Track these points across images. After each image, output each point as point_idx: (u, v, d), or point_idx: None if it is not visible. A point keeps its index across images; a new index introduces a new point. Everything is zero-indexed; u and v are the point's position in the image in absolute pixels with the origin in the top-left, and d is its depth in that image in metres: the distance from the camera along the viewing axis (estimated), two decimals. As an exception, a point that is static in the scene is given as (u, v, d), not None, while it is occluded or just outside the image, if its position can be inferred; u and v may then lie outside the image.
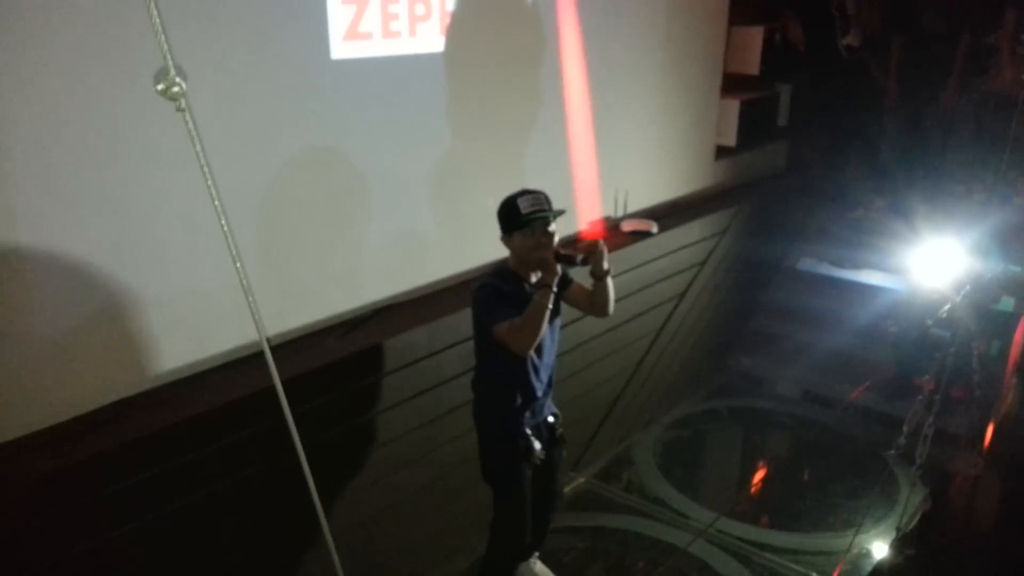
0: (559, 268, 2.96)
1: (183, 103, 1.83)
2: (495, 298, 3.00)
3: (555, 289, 2.93)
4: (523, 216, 2.96)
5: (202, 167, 1.86)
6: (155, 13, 1.65)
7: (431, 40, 3.94)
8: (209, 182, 1.86)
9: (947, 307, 4.83)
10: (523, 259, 3.03)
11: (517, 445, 3.21)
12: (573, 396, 4.59)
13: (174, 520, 3.00)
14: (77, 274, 2.88)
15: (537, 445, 3.25)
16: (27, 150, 2.67)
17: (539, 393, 3.22)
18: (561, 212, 3.04)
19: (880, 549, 4.25)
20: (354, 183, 3.75)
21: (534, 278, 3.08)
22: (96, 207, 2.88)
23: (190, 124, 1.85)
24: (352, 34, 3.59)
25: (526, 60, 4.51)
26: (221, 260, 3.06)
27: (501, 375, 3.15)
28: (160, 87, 1.79)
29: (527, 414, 3.21)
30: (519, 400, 3.17)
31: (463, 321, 4.01)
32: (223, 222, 1.95)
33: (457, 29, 4.01)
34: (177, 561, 3.07)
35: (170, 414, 3.06)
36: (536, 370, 3.18)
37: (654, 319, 5.59)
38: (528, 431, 3.23)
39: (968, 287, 4.78)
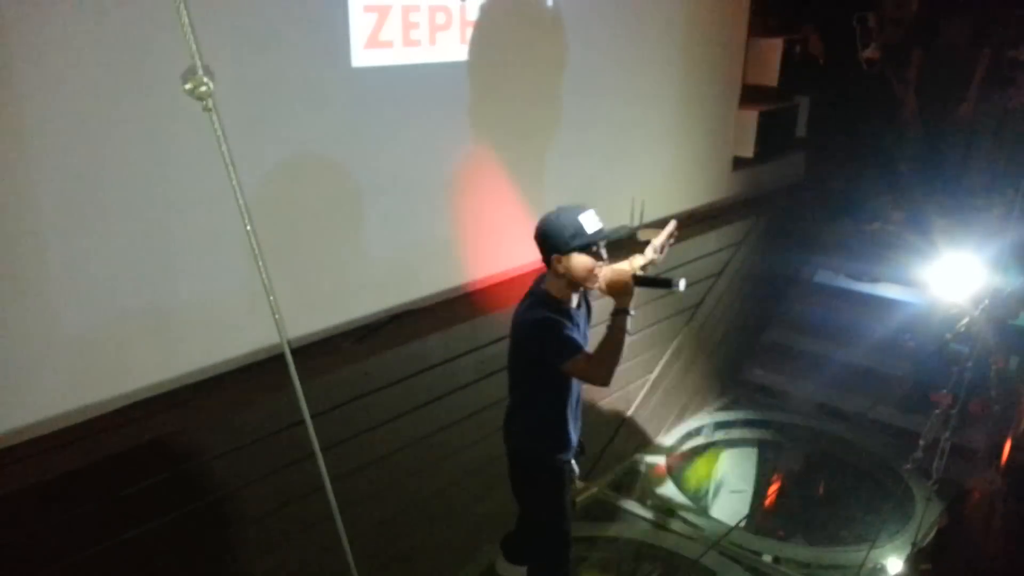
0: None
1: (210, 103, 1.84)
2: (562, 332, 2.76)
3: (632, 314, 2.75)
4: (590, 236, 2.74)
5: (227, 166, 1.87)
6: (184, 13, 1.67)
7: (451, 49, 3.96)
8: (234, 182, 1.87)
9: (965, 321, 4.80)
10: (575, 280, 2.80)
11: (565, 474, 3.12)
12: (587, 406, 4.58)
13: (190, 521, 3.01)
14: (99, 277, 2.91)
15: (577, 468, 3.17)
16: (52, 152, 2.70)
17: (578, 416, 3.13)
18: (624, 228, 2.87)
19: (895, 564, 4.22)
20: (373, 189, 3.77)
21: (575, 300, 2.91)
22: (118, 209, 2.91)
23: (216, 124, 1.87)
24: (373, 42, 3.61)
25: (545, 70, 4.53)
26: (239, 263, 3.10)
27: (554, 408, 3.00)
28: (188, 86, 1.81)
29: (573, 439, 3.12)
30: (569, 428, 3.06)
31: (479, 327, 4.03)
32: (246, 222, 1.96)
33: (477, 39, 4.03)
34: (194, 561, 3.08)
35: (186, 416, 3.08)
36: (577, 394, 3.07)
37: (669, 329, 5.58)
38: (571, 457, 3.15)
39: (987, 301, 4.75)
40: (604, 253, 2.82)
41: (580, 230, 2.74)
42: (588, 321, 3.07)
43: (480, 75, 4.11)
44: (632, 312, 2.74)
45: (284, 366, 2.47)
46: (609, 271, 2.82)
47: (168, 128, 2.93)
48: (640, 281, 2.78)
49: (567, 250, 2.76)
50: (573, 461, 3.16)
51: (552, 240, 2.79)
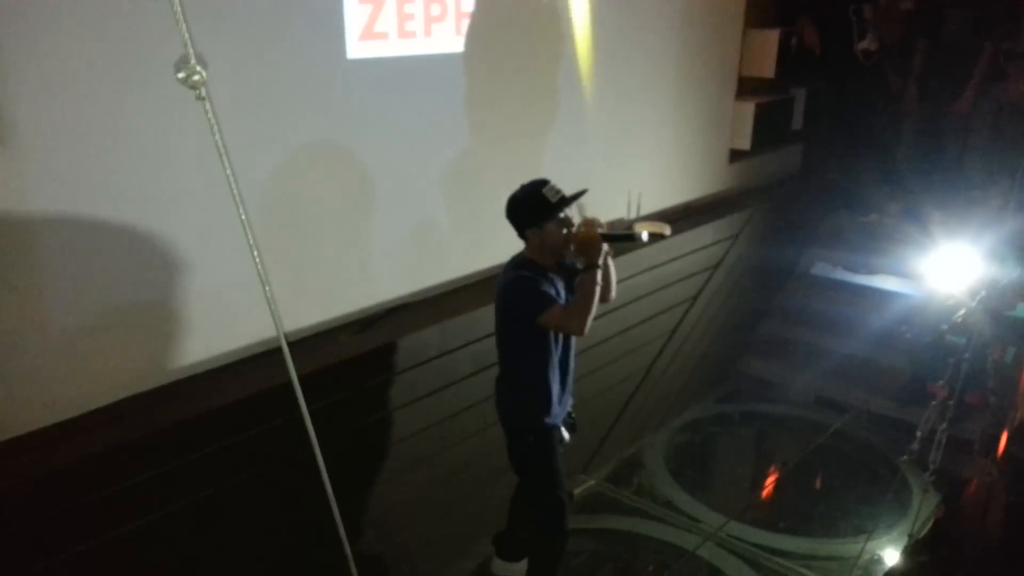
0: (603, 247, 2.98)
1: (203, 92, 1.83)
2: (538, 287, 2.99)
3: (600, 266, 2.94)
4: (554, 205, 2.98)
5: (221, 156, 1.86)
6: (177, 1, 1.65)
7: (446, 40, 3.95)
8: (228, 171, 1.86)
9: (962, 313, 4.80)
10: (552, 246, 3.03)
11: (552, 437, 3.25)
12: (585, 398, 4.57)
13: (187, 515, 3.01)
14: (93, 270, 2.89)
15: (566, 434, 3.31)
16: (44, 145, 2.68)
17: (567, 382, 3.27)
18: (583, 192, 3.06)
19: (892, 555, 4.21)
20: (369, 182, 3.76)
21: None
22: (112, 203, 2.90)
23: (210, 113, 1.86)
24: (368, 34, 3.60)
25: (541, 62, 4.51)
26: (236, 256, 3.08)
27: (536, 370, 3.15)
28: (181, 75, 1.79)
29: (559, 405, 3.25)
30: (554, 392, 3.20)
31: (476, 321, 4.02)
32: (241, 212, 1.95)
33: (473, 30, 4.02)
34: (191, 556, 3.08)
35: (184, 410, 3.07)
36: (564, 360, 3.22)
37: (667, 322, 5.58)
38: (559, 422, 3.28)
39: (983, 293, 4.75)
40: (572, 218, 3.04)
41: (546, 202, 2.99)
42: (570, 290, 3.18)
43: (476, 67, 4.10)
44: (600, 265, 2.94)
45: (281, 359, 2.46)
46: (579, 231, 3.01)
47: (161, 119, 2.91)
48: (607, 237, 2.97)
49: (538, 222, 3.00)
50: (563, 428, 3.29)
51: (523, 216, 3.05)
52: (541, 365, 3.13)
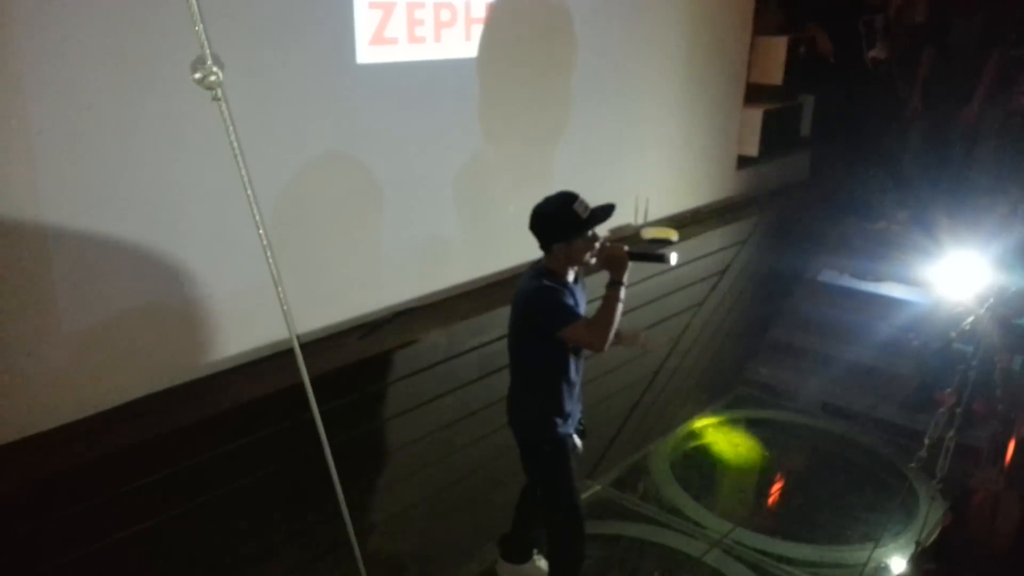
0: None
1: (219, 93, 1.83)
2: (563, 299, 2.96)
3: (625, 284, 2.92)
4: (585, 221, 2.93)
5: (236, 158, 1.86)
6: (194, 2, 1.66)
7: (456, 46, 3.96)
8: (243, 171, 1.87)
9: (970, 320, 4.78)
10: (574, 261, 3.01)
11: (566, 446, 3.25)
12: (590, 403, 4.56)
13: (197, 516, 3.01)
14: (104, 272, 2.90)
15: (579, 441, 3.31)
16: (56, 147, 2.69)
17: (575, 393, 3.26)
18: (612, 207, 3.01)
19: (899, 564, 4.20)
20: (377, 186, 3.77)
21: (571, 276, 3.07)
22: (123, 205, 2.91)
23: (226, 114, 1.86)
24: (378, 39, 3.61)
25: (550, 68, 4.52)
26: (245, 258, 3.10)
27: (550, 381, 3.14)
28: (197, 76, 1.79)
29: (570, 414, 3.25)
30: (568, 402, 3.20)
31: (483, 325, 4.03)
32: (256, 214, 1.95)
33: (483, 36, 4.03)
34: (200, 557, 3.08)
35: (194, 411, 3.08)
36: (577, 370, 3.21)
37: (673, 328, 5.57)
38: (571, 431, 3.28)
39: (991, 300, 4.73)
40: (599, 233, 3.00)
41: (577, 218, 2.93)
42: (585, 296, 3.19)
43: (485, 72, 4.11)
44: (625, 283, 2.91)
45: (289, 361, 2.46)
46: (606, 246, 2.99)
47: (174, 122, 2.92)
48: (634, 255, 2.94)
49: (567, 238, 2.95)
50: (575, 436, 3.28)
51: (552, 230, 2.99)
52: (555, 376, 3.12)
